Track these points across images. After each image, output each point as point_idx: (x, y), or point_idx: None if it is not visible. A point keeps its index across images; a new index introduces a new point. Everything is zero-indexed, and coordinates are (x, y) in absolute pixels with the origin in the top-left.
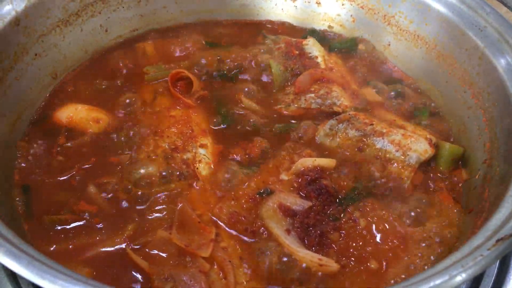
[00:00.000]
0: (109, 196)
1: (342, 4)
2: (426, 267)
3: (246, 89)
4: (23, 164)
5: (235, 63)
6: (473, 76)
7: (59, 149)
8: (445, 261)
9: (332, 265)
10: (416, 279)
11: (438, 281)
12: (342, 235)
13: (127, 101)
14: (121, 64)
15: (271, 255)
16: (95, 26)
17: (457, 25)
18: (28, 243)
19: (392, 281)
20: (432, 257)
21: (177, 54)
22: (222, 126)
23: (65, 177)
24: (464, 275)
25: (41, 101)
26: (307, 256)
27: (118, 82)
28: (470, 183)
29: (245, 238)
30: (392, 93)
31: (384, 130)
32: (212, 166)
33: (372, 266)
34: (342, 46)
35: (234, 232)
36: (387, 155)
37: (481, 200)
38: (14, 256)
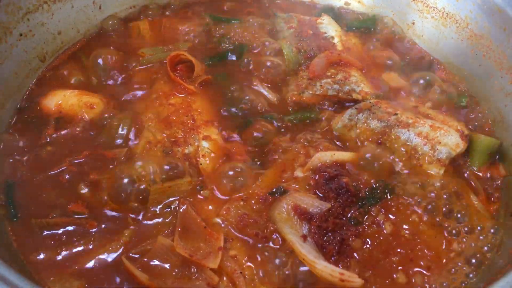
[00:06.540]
0: (103, 196)
1: None
2: (463, 284)
3: (255, 73)
4: (7, 159)
5: (243, 45)
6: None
7: (48, 140)
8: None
9: (355, 280)
10: None
11: None
12: (365, 242)
13: (121, 87)
14: (114, 46)
15: (287, 266)
16: (87, 2)
17: (493, 1)
18: (12, 251)
19: None
20: (469, 270)
21: (177, 34)
22: (227, 115)
23: (54, 172)
24: None
25: (28, 87)
26: (326, 270)
27: (112, 65)
28: (509, 180)
29: (257, 245)
30: (417, 78)
31: (410, 121)
32: (217, 161)
33: (400, 279)
34: (360, 25)
35: (243, 238)
36: (414, 149)
37: None
38: None
